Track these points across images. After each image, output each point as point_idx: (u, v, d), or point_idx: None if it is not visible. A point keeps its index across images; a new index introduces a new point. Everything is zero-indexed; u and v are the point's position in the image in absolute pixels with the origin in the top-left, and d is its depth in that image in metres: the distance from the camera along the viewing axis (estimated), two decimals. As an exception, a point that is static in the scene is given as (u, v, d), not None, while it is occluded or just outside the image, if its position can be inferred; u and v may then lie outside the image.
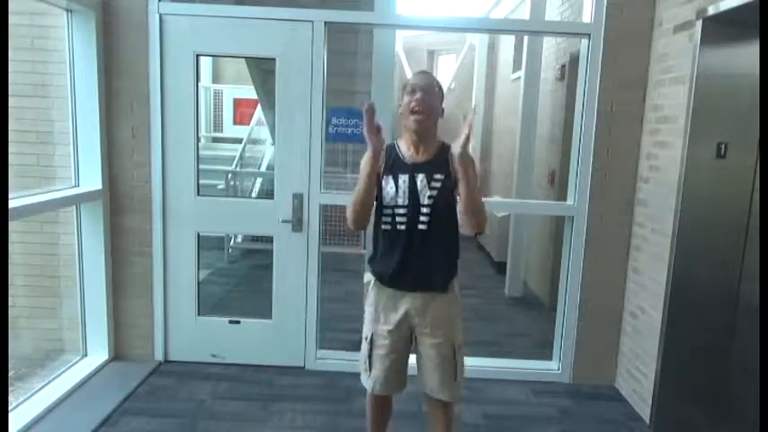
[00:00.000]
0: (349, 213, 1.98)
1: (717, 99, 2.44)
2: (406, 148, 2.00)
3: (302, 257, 3.17)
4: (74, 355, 3.19)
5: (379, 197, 1.98)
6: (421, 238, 1.94)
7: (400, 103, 1.98)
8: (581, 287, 3.14)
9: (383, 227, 1.99)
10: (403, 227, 1.95)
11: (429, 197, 1.93)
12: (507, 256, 5.10)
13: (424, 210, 1.93)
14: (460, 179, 1.86)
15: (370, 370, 2.05)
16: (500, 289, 5.15)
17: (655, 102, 2.87)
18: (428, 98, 1.92)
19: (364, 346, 2.07)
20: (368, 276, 2.10)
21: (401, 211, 1.94)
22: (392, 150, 2.01)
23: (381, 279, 2.03)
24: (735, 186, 2.45)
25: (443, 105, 2.02)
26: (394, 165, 1.98)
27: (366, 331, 2.07)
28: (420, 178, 1.94)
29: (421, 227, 1.93)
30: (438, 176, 1.94)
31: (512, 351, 3.63)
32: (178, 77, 3.03)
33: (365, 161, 1.90)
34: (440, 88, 2.00)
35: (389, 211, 1.96)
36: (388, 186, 1.96)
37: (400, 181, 1.95)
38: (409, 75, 8.61)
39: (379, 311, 2.04)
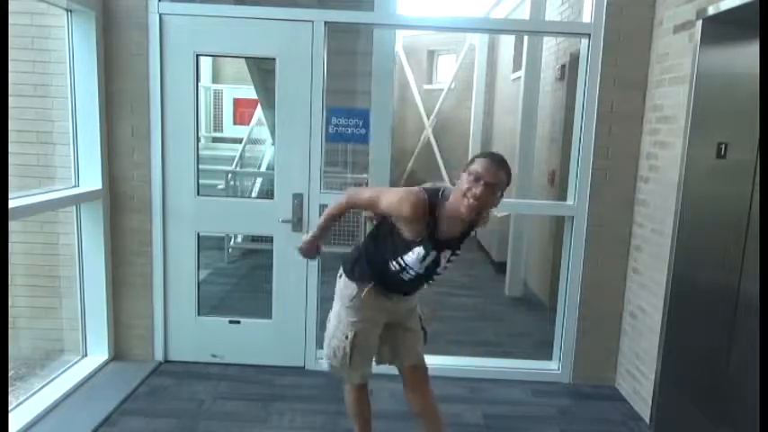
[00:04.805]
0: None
1: (717, 99, 2.44)
2: (445, 224, 1.86)
3: (302, 257, 3.16)
4: (74, 355, 3.19)
5: (398, 244, 1.93)
6: (420, 287, 2.13)
7: (462, 175, 1.80)
8: (581, 287, 3.13)
9: (389, 262, 1.98)
10: (407, 279, 2.00)
11: (444, 268, 2.02)
12: (507, 256, 5.10)
13: (436, 277, 2.05)
14: None
15: (351, 365, 2.13)
16: (500, 289, 5.15)
17: (655, 102, 2.87)
18: (489, 197, 1.76)
19: (344, 343, 2.10)
20: (348, 284, 2.12)
21: (412, 272, 1.97)
22: (431, 218, 1.84)
23: (378, 289, 2.08)
24: (735, 186, 2.45)
25: (502, 195, 1.82)
26: (429, 237, 1.87)
27: (344, 329, 2.11)
28: (445, 254, 1.96)
29: (426, 283, 2.10)
30: (458, 252, 2.01)
31: (512, 351, 3.63)
32: (178, 77, 3.02)
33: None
34: (508, 181, 1.81)
35: (398, 263, 1.96)
36: (413, 254, 1.89)
37: (428, 258, 1.91)
38: (409, 75, 8.62)
39: (365, 309, 2.10)
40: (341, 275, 2.16)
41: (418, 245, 1.88)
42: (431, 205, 1.83)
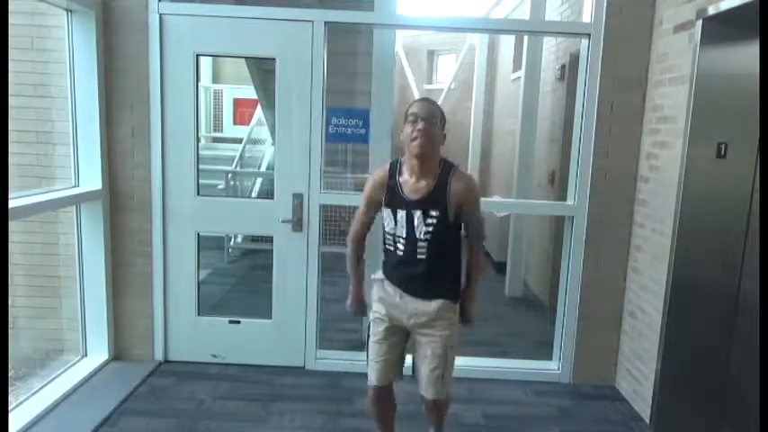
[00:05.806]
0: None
1: (717, 99, 2.44)
2: (407, 175, 2.02)
3: (302, 257, 3.17)
4: (74, 355, 3.19)
5: (384, 218, 2.09)
6: (419, 264, 2.03)
7: (402, 131, 2.00)
8: (581, 287, 3.13)
9: (386, 245, 2.10)
10: (402, 253, 2.04)
11: (425, 233, 1.99)
12: (507, 256, 5.10)
13: (421, 244, 2.01)
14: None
15: (367, 358, 2.15)
16: (500, 289, 5.15)
17: (655, 102, 2.87)
18: (430, 127, 1.94)
19: (366, 334, 2.19)
20: (379, 274, 2.18)
21: (401, 240, 2.03)
22: (393, 177, 2.04)
23: (390, 281, 2.13)
24: (735, 186, 2.45)
25: (445, 132, 2.05)
26: (393, 198, 2.03)
27: (369, 319, 2.17)
28: (417, 215, 1.99)
29: (420, 256, 2.02)
30: (434, 213, 1.98)
31: (512, 351, 3.63)
32: (178, 77, 3.02)
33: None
34: (442, 116, 2.02)
35: (390, 238, 2.07)
36: (388, 218, 2.05)
37: (398, 216, 2.02)
38: (409, 75, 8.62)
39: (381, 298, 2.13)
40: None
41: (387, 207, 2.04)
42: (391, 168, 2.06)
